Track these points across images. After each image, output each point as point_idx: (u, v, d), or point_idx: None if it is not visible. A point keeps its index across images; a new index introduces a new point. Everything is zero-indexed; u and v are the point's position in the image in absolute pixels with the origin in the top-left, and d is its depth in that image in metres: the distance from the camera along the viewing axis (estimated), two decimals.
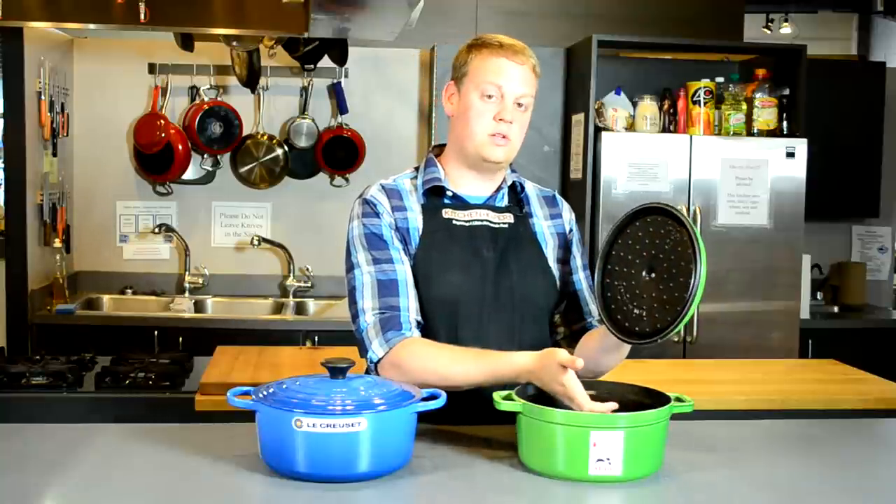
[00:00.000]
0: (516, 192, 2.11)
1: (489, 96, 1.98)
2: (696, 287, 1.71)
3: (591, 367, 2.05)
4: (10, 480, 1.62)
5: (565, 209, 2.17)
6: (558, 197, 2.19)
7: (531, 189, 2.16)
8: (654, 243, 1.82)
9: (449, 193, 2.05)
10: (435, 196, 2.05)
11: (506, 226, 2.05)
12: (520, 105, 1.99)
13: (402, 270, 1.96)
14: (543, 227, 2.11)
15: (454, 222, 2.02)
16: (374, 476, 1.60)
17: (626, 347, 1.94)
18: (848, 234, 5.32)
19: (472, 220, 2.03)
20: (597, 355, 2.00)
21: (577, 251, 2.14)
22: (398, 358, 1.88)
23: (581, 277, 2.12)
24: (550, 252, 2.09)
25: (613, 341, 1.88)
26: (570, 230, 2.14)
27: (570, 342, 2.10)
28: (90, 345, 3.54)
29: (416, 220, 2.02)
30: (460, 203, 2.05)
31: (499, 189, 2.08)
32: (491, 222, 2.04)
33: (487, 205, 2.07)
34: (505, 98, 1.98)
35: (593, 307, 2.10)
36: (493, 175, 2.07)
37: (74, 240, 4.68)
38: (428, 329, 1.98)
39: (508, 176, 2.10)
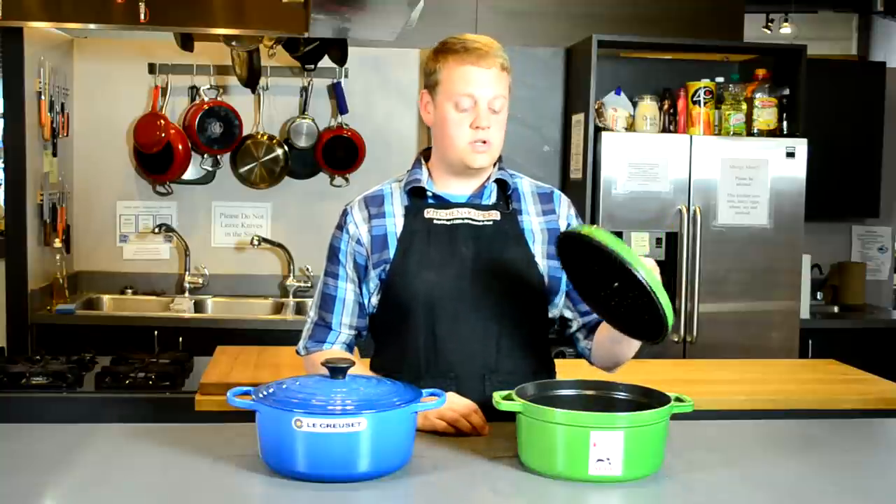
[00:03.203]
0: (506, 189, 2.11)
1: (463, 107, 2.00)
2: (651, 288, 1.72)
3: (609, 358, 2.07)
4: (10, 480, 1.62)
5: (563, 204, 2.16)
6: (557, 193, 2.18)
7: (526, 185, 2.16)
8: None
9: (430, 194, 2.07)
10: (418, 197, 2.08)
11: (490, 223, 2.06)
12: (495, 108, 2.02)
13: (343, 288, 2.10)
14: (533, 223, 2.10)
15: (435, 222, 2.05)
16: (374, 476, 1.60)
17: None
18: (848, 234, 5.31)
19: (453, 219, 2.05)
20: (610, 345, 2.03)
21: None
22: (308, 361, 2.14)
23: None
24: (538, 248, 2.08)
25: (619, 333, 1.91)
26: (568, 225, 2.14)
27: (587, 334, 2.12)
28: (90, 345, 3.54)
29: (394, 224, 2.06)
30: (442, 202, 2.07)
31: (483, 187, 2.09)
32: (473, 220, 2.05)
33: (470, 203, 2.08)
34: (478, 105, 2.00)
35: None
36: (477, 175, 2.09)
37: (74, 240, 4.68)
38: (407, 327, 2.03)
39: (494, 173, 2.10)
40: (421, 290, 2.01)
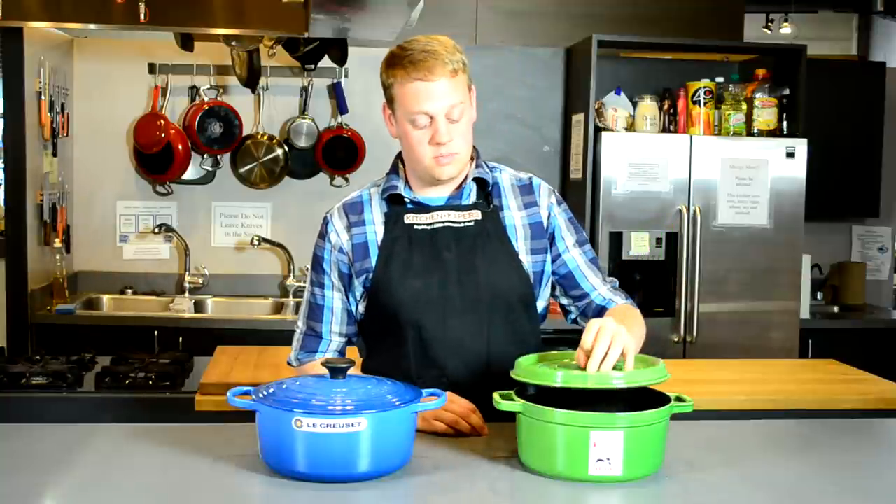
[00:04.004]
0: (486, 186, 2.09)
1: (421, 125, 1.96)
2: None
3: None
4: (10, 480, 1.62)
5: (543, 194, 2.11)
6: (535, 182, 2.13)
7: (506, 179, 2.12)
8: None
9: (408, 199, 2.05)
10: (396, 203, 2.06)
11: (471, 223, 2.04)
12: (453, 118, 1.96)
13: (330, 297, 2.10)
14: (516, 218, 2.08)
15: (415, 227, 2.03)
16: (374, 476, 1.60)
17: None
18: (848, 234, 5.32)
19: (433, 223, 2.03)
20: None
21: (566, 232, 2.10)
22: (300, 372, 2.12)
23: (574, 255, 2.10)
24: (522, 244, 2.06)
25: None
26: (550, 215, 2.10)
27: (591, 318, 2.09)
28: (90, 345, 3.54)
29: (374, 231, 2.05)
30: (421, 206, 2.05)
31: (461, 187, 2.06)
32: (454, 222, 2.03)
33: (450, 205, 2.05)
34: (435, 120, 1.95)
35: (595, 280, 2.10)
36: (451, 180, 2.06)
37: (74, 240, 4.68)
38: (395, 333, 2.02)
39: (472, 172, 2.07)
40: (406, 298, 1.99)
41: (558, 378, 1.68)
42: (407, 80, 1.95)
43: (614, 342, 1.70)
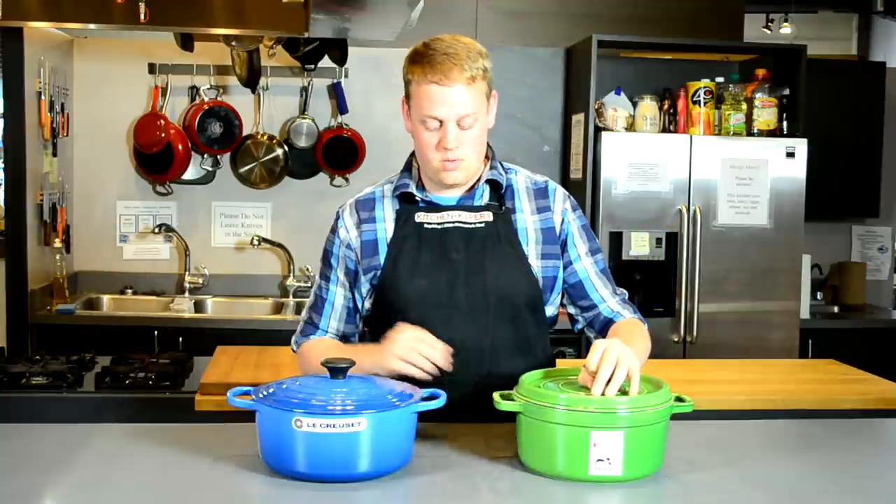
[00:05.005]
0: (499, 188, 2.08)
1: (431, 128, 1.95)
2: None
3: None
4: (10, 480, 1.62)
5: (557, 199, 2.10)
6: (551, 186, 2.12)
7: (521, 181, 2.11)
8: None
9: (419, 198, 2.05)
10: (408, 201, 2.06)
11: (482, 225, 2.03)
12: (464, 126, 1.94)
13: (333, 291, 2.12)
14: (528, 222, 2.07)
15: (426, 226, 2.03)
16: (374, 476, 1.61)
17: None
18: (848, 234, 5.32)
19: (444, 223, 2.03)
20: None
21: (578, 240, 2.10)
22: (299, 354, 2.17)
23: (586, 264, 2.09)
24: (532, 248, 2.05)
25: None
26: (563, 221, 2.09)
27: (595, 334, 2.10)
28: (90, 345, 3.54)
29: (384, 229, 2.05)
30: (433, 206, 2.05)
31: (473, 188, 2.06)
32: (464, 223, 2.03)
33: (461, 205, 2.05)
34: (445, 125, 1.94)
35: (605, 292, 2.10)
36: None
37: (74, 240, 4.68)
38: None
39: (485, 173, 2.06)
40: (412, 297, 1.99)
41: (561, 401, 1.66)
42: (423, 80, 1.94)
43: (619, 364, 1.69)
